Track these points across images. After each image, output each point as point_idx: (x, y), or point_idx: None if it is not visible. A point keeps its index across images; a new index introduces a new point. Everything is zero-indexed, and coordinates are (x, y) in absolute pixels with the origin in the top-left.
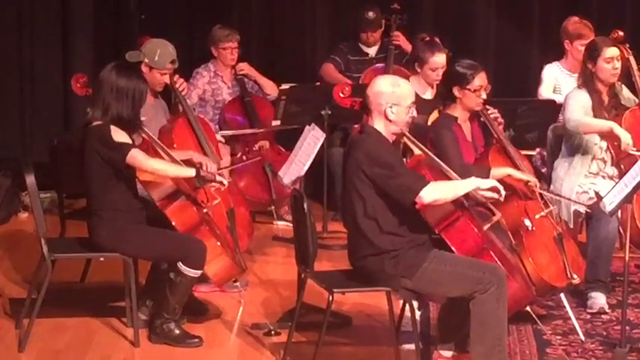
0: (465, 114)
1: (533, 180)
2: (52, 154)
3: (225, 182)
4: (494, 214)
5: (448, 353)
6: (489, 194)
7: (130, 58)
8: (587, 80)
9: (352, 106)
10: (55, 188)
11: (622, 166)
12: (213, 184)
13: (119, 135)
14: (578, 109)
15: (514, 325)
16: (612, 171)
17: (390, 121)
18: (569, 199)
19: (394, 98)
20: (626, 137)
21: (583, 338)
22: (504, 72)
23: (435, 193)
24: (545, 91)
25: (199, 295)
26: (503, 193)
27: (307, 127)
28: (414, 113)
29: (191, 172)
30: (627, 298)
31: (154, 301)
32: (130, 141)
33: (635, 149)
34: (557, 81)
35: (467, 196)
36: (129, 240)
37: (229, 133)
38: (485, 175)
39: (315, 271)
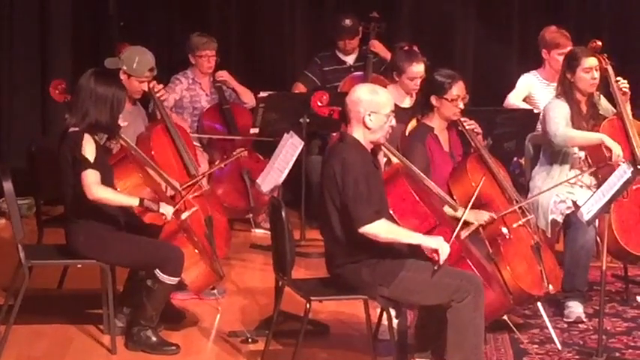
0: (442, 123)
1: (487, 217)
2: (30, 160)
3: (169, 216)
4: (470, 225)
5: None
6: (433, 254)
7: (109, 65)
8: (566, 90)
9: (330, 115)
10: (33, 194)
11: (599, 176)
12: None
13: (89, 146)
14: (562, 121)
15: (491, 333)
16: (590, 180)
17: (369, 129)
18: (547, 190)
19: (373, 106)
20: (617, 149)
21: (560, 347)
22: (483, 81)
23: (376, 230)
24: (513, 98)
25: (177, 302)
26: (441, 260)
27: (285, 134)
28: (393, 122)
29: (134, 202)
30: (604, 308)
31: (131, 308)
32: (93, 156)
33: (624, 160)
34: (532, 90)
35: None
36: (106, 247)
37: (205, 136)
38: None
39: (293, 278)
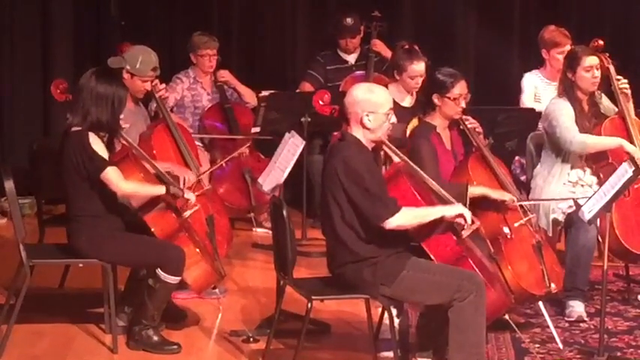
0: (444, 122)
1: (509, 197)
2: (32, 160)
3: (193, 199)
4: (473, 223)
5: None
6: (458, 219)
7: (112, 64)
8: (567, 89)
9: (332, 114)
10: (35, 194)
11: (601, 175)
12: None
13: (97, 144)
14: (573, 125)
15: (492, 333)
16: (591, 180)
17: (368, 129)
18: (548, 200)
19: (370, 106)
20: (636, 152)
21: (561, 346)
22: (484, 80)
23: (401, 220)
24: (527, 100)
25: (178, 301)
26: (469, 220)
27: (287, 134)
28: (393, 119)
29: (161, 190)
30: (605, 307)
31: (133, 307)
32: (105, 153)
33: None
34: (536, 89)
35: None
36: (108, 246)
37: (206, 136)
38: (463, 190)
39: (294, 278)
